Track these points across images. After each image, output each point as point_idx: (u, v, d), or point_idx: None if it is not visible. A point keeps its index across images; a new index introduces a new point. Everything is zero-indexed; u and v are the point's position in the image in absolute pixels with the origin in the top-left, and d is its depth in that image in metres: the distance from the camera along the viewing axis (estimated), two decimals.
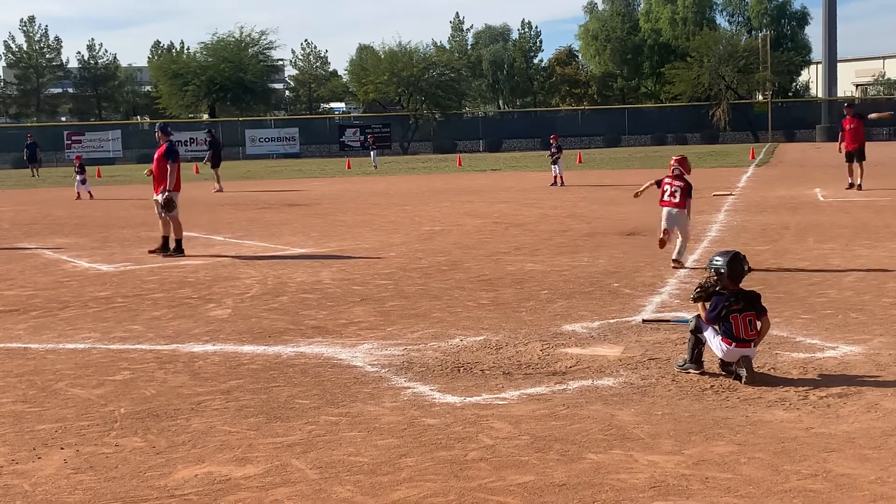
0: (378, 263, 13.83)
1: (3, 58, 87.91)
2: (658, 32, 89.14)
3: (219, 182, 34.18)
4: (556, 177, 30.47)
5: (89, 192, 30.75)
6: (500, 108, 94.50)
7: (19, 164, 59.50)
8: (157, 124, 16.84)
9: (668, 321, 8.93)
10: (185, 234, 18.55)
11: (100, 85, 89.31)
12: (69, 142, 68.38)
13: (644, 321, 9.02)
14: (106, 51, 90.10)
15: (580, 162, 47.48)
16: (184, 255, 15.38)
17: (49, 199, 30.73)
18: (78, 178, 31.07)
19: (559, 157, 30.75)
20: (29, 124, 77.88)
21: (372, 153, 51.63)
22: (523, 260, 13.72)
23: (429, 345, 8.34)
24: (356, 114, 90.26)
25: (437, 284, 11.74)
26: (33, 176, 50.07)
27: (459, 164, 49.38)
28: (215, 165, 34.67)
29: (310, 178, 42.40)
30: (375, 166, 49.19)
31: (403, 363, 7.72)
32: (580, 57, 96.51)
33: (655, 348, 8.00)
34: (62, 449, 5.81)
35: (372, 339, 8.66)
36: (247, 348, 8.47)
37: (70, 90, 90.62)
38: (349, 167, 50.06)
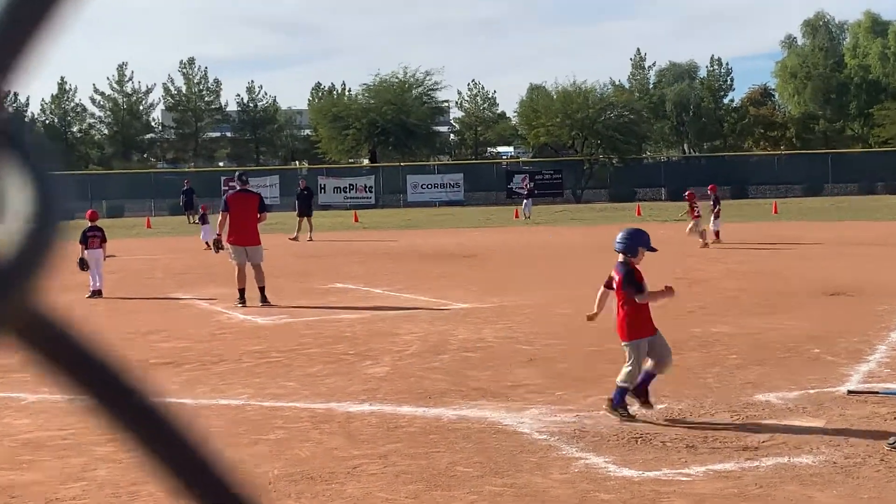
0: (547, 321, 13.80)
1: (162, 101, 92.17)
2: (866, 69, 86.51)
3: (309, 231, 34.91)
4: (703, 231, 28.50)
5: (208, 243, 32.03)
6: (684, 153, 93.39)
7: (176, 210, 62.19)
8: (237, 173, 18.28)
9: (877, 393, 8.58)
10: (341, 285, 18.97)
11: (258, 129, 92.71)
12: (226, 188, 71.05)
13: (849, 392, 8.70)
14: (265, 93, 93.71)
15: (776, 212, 46.30)
16: (244, 305, 16.27)
17: (204, 246, 32.04)
18: (203, 227, 32.45)
19: (717, 209, 28.92)
20: (186, 169, 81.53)
21: (525, 202, 51.30)
22: (709, 320, 13.44)
23: (603, 412, 8.26)
24: (525, 159, 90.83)
25: (613, 345, 11.59)
26: (190, 223, 52.36)
27: (638, 214, 48.97)
28: (308, 214, 35.52)
29: (474, 228, 42.83)
30: (527, 216, 49.02)
31: (575, 431, 7.66)
32: (776, 96, 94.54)
33: (861, 423, 7.69)
34: None
35: (540, 404, 8.64)
36: (405, 409, 8.58)
37: (228, 134, 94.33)
38: (517, 216, 50.36)
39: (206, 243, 31.78)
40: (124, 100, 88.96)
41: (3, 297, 0.54)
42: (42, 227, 0.55)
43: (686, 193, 30.25)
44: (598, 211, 57.31)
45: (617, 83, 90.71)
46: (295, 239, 34.43)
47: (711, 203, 29.43)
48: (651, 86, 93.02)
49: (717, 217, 28.82)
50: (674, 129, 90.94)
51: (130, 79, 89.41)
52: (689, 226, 28.24)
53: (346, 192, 73.32)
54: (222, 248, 17.13)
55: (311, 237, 34.73)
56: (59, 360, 0.59)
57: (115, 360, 0.63)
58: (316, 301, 17.12)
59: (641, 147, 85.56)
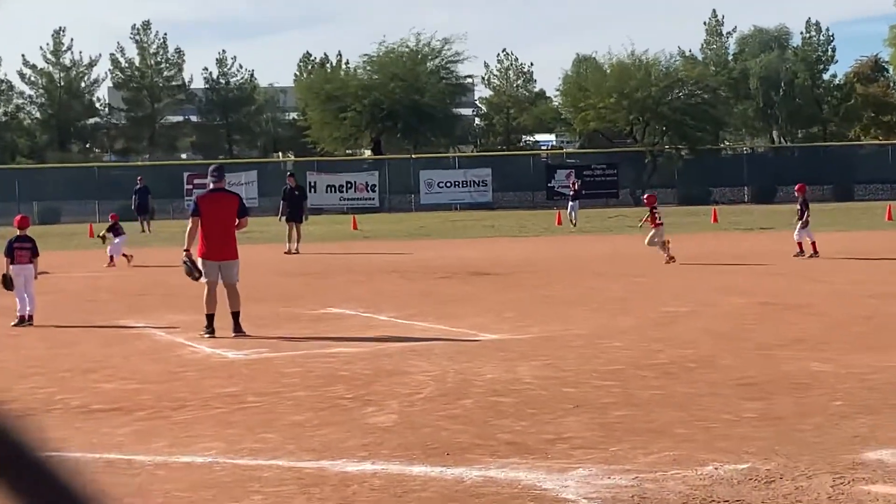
0: (598, 357, 13.79)
1: (110, 76, 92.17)
2: None
3: (297, 240, 35.08)
4: (665, 243, 28.33)
5: (113, 258, 31.71)
6: (773, 142, 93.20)
7: (126, 214, 61.99)
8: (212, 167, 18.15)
9: None
10: (336, 310, 19.03)
11: (231, 111, 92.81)
12: (190, 185, 70.86)
13: None
14: (240, 66, 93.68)
15: (890, 219, 46.13)
16: (213, 335, 16.24)
17: (162, 261, 32.12)
18: (116, 240, 32.23)
19: (805, 216, 28.42)
20: (139, 163, 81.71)
21: (570, 204, 51.38)
22: (806, 356, 13.40)
23: (669, 473, 8.24)
24: (571, 150, 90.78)
25: (682, 388, 11.58)
26: (143, 231, 52.45)
27: (715, 221, 48.89)
28: (298, 220, 35.52)
29: (506, 238, 42.81)
30: (573, 222, 49.05)
31: (633, 497, 7.64)
32: (891, 71, 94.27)
33: None
34: None
35: (589, 463, 8.62)
36: (417, 469, 8.57)
37: (193, 118, 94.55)
38: (561, 222, 50.32)
39: (111, 258, 31.65)
40: (61, 75, 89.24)
41: None
42: None
43: (645, 197, 30.60)
44: (664, 216, 57.12)
45: (687, 54, 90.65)
46: (289, 252, 34.58)
47: (799, 208, 29.19)
48: (730, 57, 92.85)
49: (805, 225, 28.52)
50: (759, 113, 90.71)
51: (69, 48, 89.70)
52: (649, 235, 28.78)
53: (342, 191, 73.42)
54: (200, 276, 16.71)
55: (297, 248, 34.84)
56: None
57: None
58: (304, 331, 17.12)
59: (718, 135, 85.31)
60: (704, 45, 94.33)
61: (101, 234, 33.96)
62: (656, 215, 28.70)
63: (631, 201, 73.77)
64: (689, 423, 9.91)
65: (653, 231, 28.56)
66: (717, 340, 14.96)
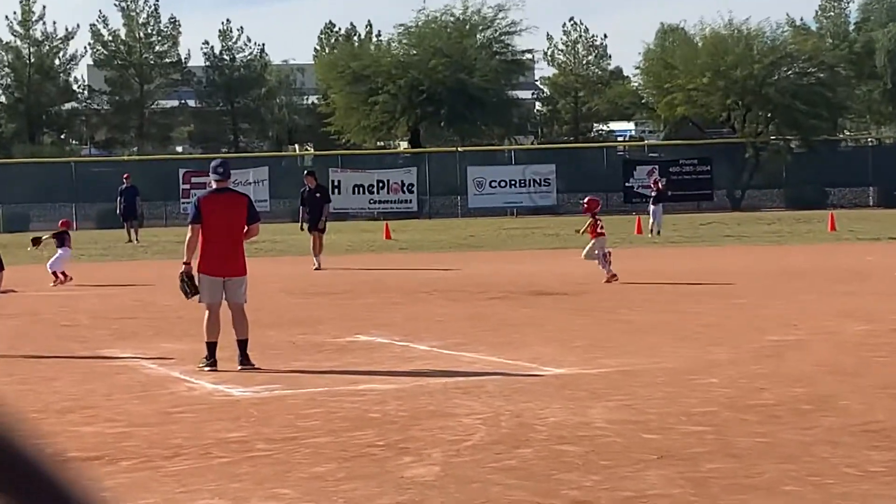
0: (688, 396, 13.75)
1: (90, 52, 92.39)
2: None
3: (319, 253, 35.02)
4: (606, 256, 28.42)
5: (58, 274, 31.36)
6: None
7: (110, 220, 62.24)
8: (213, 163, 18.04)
9: None
10: (365, 338, 19.07)
11: (237, 95, 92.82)
12: (188, 185, 70.88)
13: None
14: (248, 39, 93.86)
15: None
16: (214, 368, 16.25)
17: (153, 278, 32.25)
18: (59, 251, 31.89)
19: None
20: (126, 158, 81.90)
21: (652, 209, 51.20)
22: None
23: None
24: (654, 141, 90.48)
25: (791, 435, 11.53)
26: (131, 241, 52.62)
27: (832, 229, 48.68)
28: (319, 229, 35.33)
29: (574, 249, 42.72)
30: (656, 231, 48.95)
31: None
32: None
33: None
34: None
35: None
36: None
37: (191, 103, 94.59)
38: (640, 230, 50.21)
39: (55, 275, 31.41)
40: (31, 50, 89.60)
41: None
42: None
43: (585, 201, 30.57)
44: (769, 223, 56.99)
45: (798, 23, 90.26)
46: (318, 268, 34.53)
47: None
48: (852, 28, 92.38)
49: None
50: (887, 95, 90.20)
51: (41, 17, 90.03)
52: (588, 247, 29.34)
53: (372, 192, 73.46)
54: (195, 294, 16.72)
55: (318, 263, 34.85)
56: None
57: (39, 449, 0.65)
58: (326, 363, 17.14)
59: (837, 123, 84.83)
60: (819, 13, 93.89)
61: (37, 237, 33.19)
62: (598, 224, 29.08)
63: (728, 204, 73.54)
64: (800, 479, 9.87)
65: (592, 242, 28.90)
66: (834, 377, 14.88)
